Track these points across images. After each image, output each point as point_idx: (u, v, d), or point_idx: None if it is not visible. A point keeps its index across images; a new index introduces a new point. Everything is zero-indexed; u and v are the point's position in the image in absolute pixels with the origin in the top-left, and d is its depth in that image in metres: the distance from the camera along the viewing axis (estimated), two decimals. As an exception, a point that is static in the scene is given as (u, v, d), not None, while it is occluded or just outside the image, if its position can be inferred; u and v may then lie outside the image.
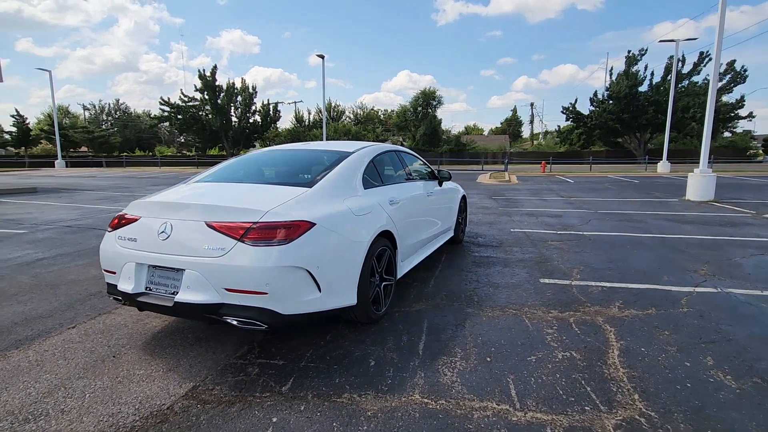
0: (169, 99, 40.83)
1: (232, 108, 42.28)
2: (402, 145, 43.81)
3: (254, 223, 2.40)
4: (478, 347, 2.85)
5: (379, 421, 2.07)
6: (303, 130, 43.17)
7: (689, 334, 3.04)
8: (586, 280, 4.31)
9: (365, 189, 3.32)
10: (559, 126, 40.28)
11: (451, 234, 5.55)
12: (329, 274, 2.64)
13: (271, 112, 43.20)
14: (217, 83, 40.28)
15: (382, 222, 3.24)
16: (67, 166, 34.75)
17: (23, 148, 48.92)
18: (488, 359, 2.70)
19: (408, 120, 41.39)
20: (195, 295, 2.40)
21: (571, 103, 34.06)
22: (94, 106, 59.35)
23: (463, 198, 6.05)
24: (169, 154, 52.76)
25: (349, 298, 2.84)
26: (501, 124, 68.81)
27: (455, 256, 5.25)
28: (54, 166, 33.93)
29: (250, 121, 42.53)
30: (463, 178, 21.11)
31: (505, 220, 8.03)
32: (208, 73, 39.67)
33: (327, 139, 38.26)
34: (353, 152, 3.53)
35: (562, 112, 34.51)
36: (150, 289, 2.58)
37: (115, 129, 53.36)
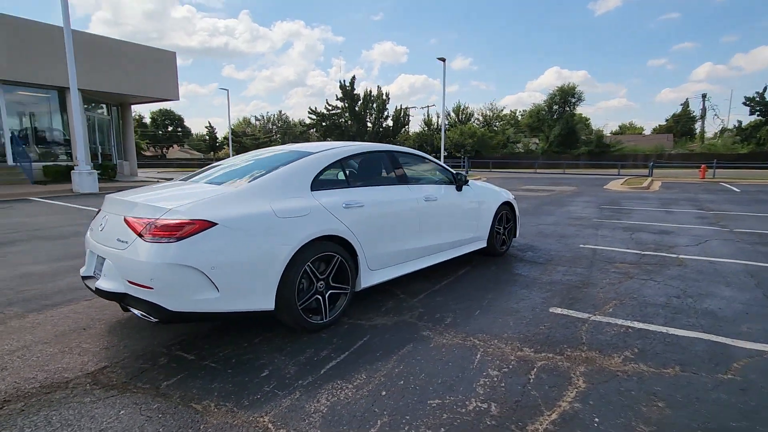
0: (316, 108, 46.01)
1: (368, 114, 45.35)
2: (536, 146, 40.61)
3: (155, 219, 2.53)
4: (388, 377, 2.47)
5: (202, 436, 1.97)
6: (431, 133, 43.66)
7: (702, 414, 2.10)
8: (615, 316, 3.35)
9: (316, 191, 3.18)
10: (739, 122, 31.89)
11: (481, 244, 4.94)
12: (232, 276, 2.61)
13: (401, 117, 44.97)
14: (355, 92, 43.70)
15: (325, 226, 3.07)
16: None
17: (212, 152, 61.07)
18: (383, 393, 2.31)
19: (542, 120, 38.15)
20: (107, 283, 2.65)
21: (758, 93, 26.74)
22: (263, 117, 70.41)
23: (507, 205, 5.32)
24: (315, 157, 59.24)
25: (264, 303, 2.76)
26: (666, 121, 58.03)
27: (480, 270, 4.64)
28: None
29: (383, 126, 44.97)
30: (589, 184, 18.54)
31: (587, 233, 6.76)
32: (347, 84, 43.33)
33: (446, 143, 37.94)
34: (314, 153, 3.42)
35: (745, 103, 27.33)
36: (95, 274, 2.94)
37: (278, 136, 62.24)
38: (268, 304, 2.78)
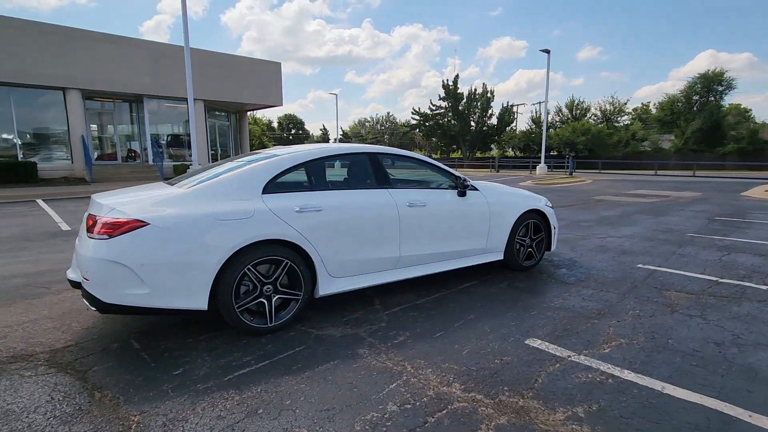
0: (419, 109, 46.34)
1: (472, 113, 44.10)
2: (669, 144, 34.75)
3: (99, 218, 2.78)
4: (280, 394, 2.32)
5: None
6: (539, 131, 40.55)
7: None
8: (605, 359, 2.66)
9: (269, 194, 3.15)
10: None
11: (494, 257, 4.39)
12: (161, 274, 2.74)
13: (506, 115, 42.72)
14: (458, 91, 42.83)
15: (268, 230, 3.02)
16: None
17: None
18: (260, 411, 2.18)
19: (676, 113, 32.45)
20: (72, 273, 3.00)
21: None
22: (372, 119, 73.52)
23: (536, 214, 4.64)
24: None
25: (196, 303, 2.84)
26: None
27: (486, 286, 4.12)
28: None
29: (486, 124, 43.28)
30: (723, 189, 15.30)
31: (662, 251, 5.53)
32: (450, 83, 42.68)
33: (555, 141, 34.67)
34: (277, 156, 3.40)
35: None
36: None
37: (386, 136, 64.40)
38: (200, 303, 2.86)
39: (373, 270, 3.63)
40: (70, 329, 3.23)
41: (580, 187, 17.18)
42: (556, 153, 34.92)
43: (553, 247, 4.91)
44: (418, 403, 2.23)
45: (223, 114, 22.32)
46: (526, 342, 2.93)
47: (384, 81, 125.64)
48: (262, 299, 3.06)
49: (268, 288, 3.09)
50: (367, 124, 72.89)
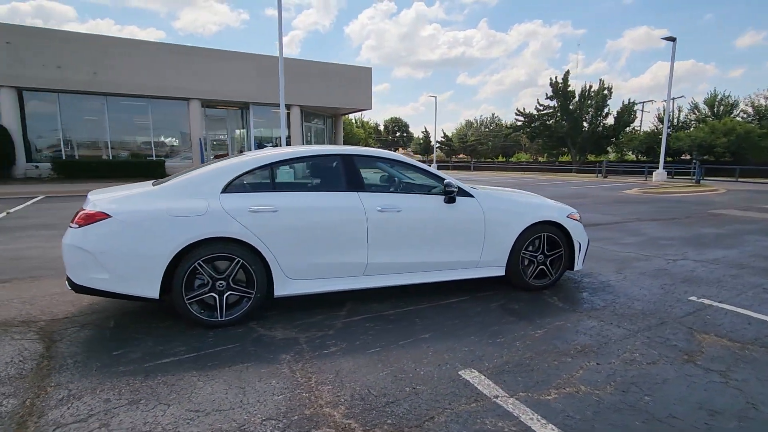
0: (524, 109, 43.68)
1: (585, 113, 40.11)
2: None
3: (81, 210, 3.18)
4: (154, 388, 2.38)
5: None
6: (670, 131, 34.91)
7: None
8: (538, 410, 2.17)
9: (227, 193, 3.26)
10: None
11: (493, 272, 3.93)
12: (118, 262, 3.02)
13: (626, 114, 37.82)
14: (569, 89, 39.29)
15: (218, 228, 3.13)
16: (439, 169, 44.34)
17: (425, 155, 66.06)
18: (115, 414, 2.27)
19: None
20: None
21: None
22: (476, 121, 71.53)
23: (553, 227, 4.03)
24: (523, 160, 56.49)
25: (149, 291, 3.07)
26: None
27: (473, 303, 3.70)
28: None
29: (602, 125, 38.89)
30: None
31: (744, 283, 4.31)
32: (560, 81, 39.37)
33: (687, 143, 29.51)
34: (248, 157, 3.49)
35: None
36: None
37: (490, 139, 62.08)
38: (153, 292, 3.09)
39: (337, 275, 3.52)
40: (80, 304, 3.76)
41: (702, 198, 14.40)
42: (688, 157, 29.75)
43: (577, 266, 4.20)
44: (283, 421, 2.09)
45: (319, 118, 23.88)
46: (460, 373, 2.54)
47: (497, 81, 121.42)
48: (213, 294, 3.20)
49: (221, 284, 3.20)
50: (475, 125, 71.20)
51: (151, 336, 3.08)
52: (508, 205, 4.02)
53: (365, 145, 69.33)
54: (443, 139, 60.36)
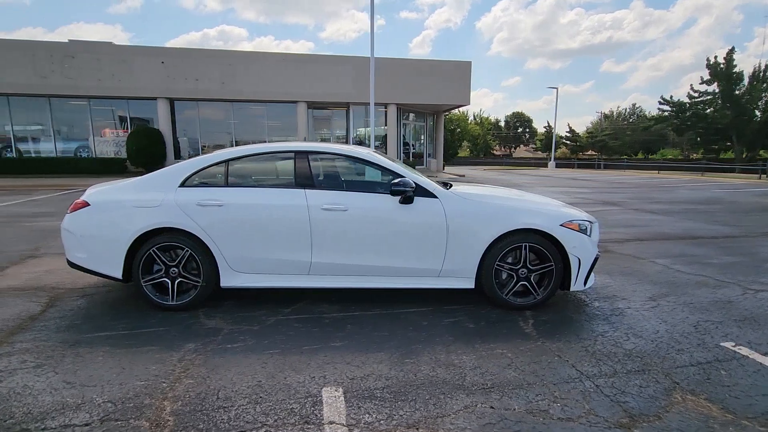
0: (671, 97, 37.11)
1: (757, 99, 32.27)
2: None
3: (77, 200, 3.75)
4: (57, 358, 2.67)
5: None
6: None
7: None
8: (357, 444, 1.84)
9: (184, 187, 3.49)
10: None
11: (460, 283, 3.49)
12: (92, 244, 3.49)
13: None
14: (734, 71, 32.01)
15: (167, 219, 3.37)
16: (557, 167, 40.44)
17: (547, 152, 60.99)
18: None
19: None
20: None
21: None
22: (612, 113, 63.13)
23: (539, 236, 3.37)
24: (671, 157, 48.02)
25: (114, 271, 3.48)
26: None
27: (436, 316, 3.31)
28: (546, 167, 40.54)
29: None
30: None
31: None
32: (722, 61, 32.32)
33: None
34: (207, 155, 3.66)
35: None
36: None
37: (627, 133, 54.29)
38: (117, 273, 3.49)
39: (281, 272, 3.51)
40: (92, 279, 4.45)
41: None
42: None
43: (575, 286, 3.46)
44: (117, 405, 2.17)
45: (418, 116, 23.88)
46: (323, 390, 2.31)
47: (652, 66, 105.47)
48: (167, 279, 3.48)
49: (174, 271, 3.47)
50: (611, 117, 63.05)
51: (116, 311, 3.49)
52: (478, 209, 3.47)
53: (482, 143, 67.05)
54: (568, 134, 54.73)
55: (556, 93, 39.40)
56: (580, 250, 3.43)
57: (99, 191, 3.69)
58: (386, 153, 16.51)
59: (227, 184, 3.60)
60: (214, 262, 3.47)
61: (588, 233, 3.57)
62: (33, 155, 19.66)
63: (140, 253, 3.42)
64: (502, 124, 75.02)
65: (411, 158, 22.92)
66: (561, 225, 3.41)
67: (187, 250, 3.43)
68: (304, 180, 3.54)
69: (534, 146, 71.54)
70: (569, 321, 3.28)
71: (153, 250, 3.43)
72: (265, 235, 3.46)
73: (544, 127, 60.19)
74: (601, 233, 6.84)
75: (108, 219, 3.50)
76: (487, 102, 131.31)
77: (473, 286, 3.49)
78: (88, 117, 19.86)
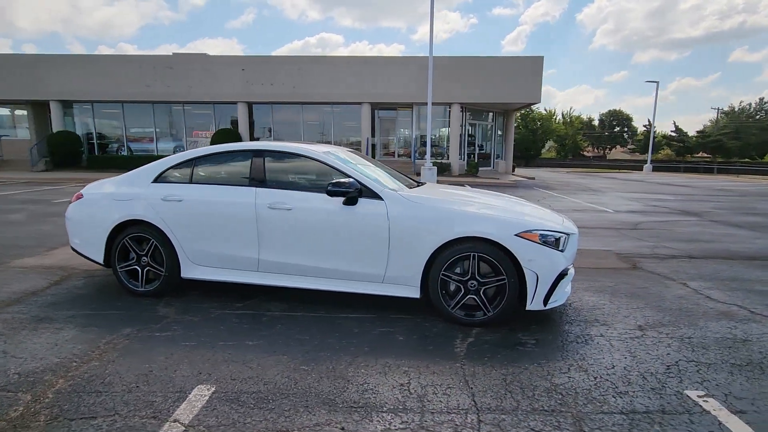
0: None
1: None
2: None
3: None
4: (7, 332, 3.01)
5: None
6: None
7: None
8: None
9: (157, 183, 3.75)
10: None
11: (405, 291, 3.28)
12: (82, 232, 3.91)
13: None
14: None
15: (136, 211, 3.65)
16: (655, 171, 35.92)
17: (645, 154, 54.56)
18: None
19: None
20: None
21: None
22: (734, 109, 54.28)
23: (487, 246, 3.02)
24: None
25: (98, 257, 3.85)
26: None
27: (373, 324, 3.15)
28: (642, 170, 36.20)
29: None
30: None
31: None
32: None
33: None
34: (178, 153, 3.88)
35: None
36: None
37: (753, 132, 46.41)
38: (99, 259, 3.87)
39: (233, 267, 3.61)
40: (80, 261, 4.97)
41: None
42: None
43: (532, 305, 3.04)
44: (11, 377, 2.40)
45: (485, 115, 22.90)
46: (197, 387, 2.31)
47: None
48: (137, 267, 3.78)
49: (144, 260, 3.76)
50: (731, 114, 54.40)
51: (99, 293, 3.87)
52: (423, 213, 3.20)
53: (571, 143, 62.08)
54: (674, 134, 48.35)
55: (656, 88, 35.02)
56: (538, 264, 3.00)
57: (92, 185, 4.12)
58: (452, 153, 16.00)
59: (191, 181, 3.79)
60: (175, 255, 3.68)
61: (558, 246, 3.11)
62: (140, 153, 22.73)
63: (116, 242, 3.76)
64: (596, 122, 68.86)
65: (477, 159, 22.07)
66: (516, 235, 3.02)
67: (153, 242, 3.68)
68: (257, 178, 3.60)
69: (632, 147, 64.49)
70: (513, 344, 2.88)
71: (126, 240, 3.74)
72: (219, 231, 3.58)
73: (644, 126, 53.90)
74: (650, 247, 5.95)
75: (94, 210, 3.89)
76: (586, 99, 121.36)
77: (418, 296, 3.25)
78: (182, 120, 22.38)
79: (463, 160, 21.34)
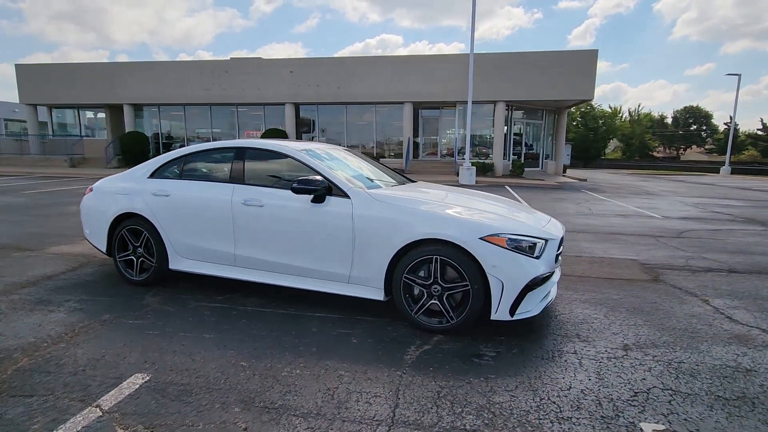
0: None
1: None
2: None
3: (94, 187, 4.56)
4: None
5: None
6: None
7: None
8: None
9: (153, 179, 3.96)
10: None
11: (371, 293, 3.19)
12: (90, 222, 4.22)
13: None
14: None
15: (131, 204, 3.88)
16: (734, 173, 32.26)
17: (724, 154, 49.21)
18: None
19: None
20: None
21: None
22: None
23: (449, 249, 2.86)
24: None
25: (102, 247, 4.14)
26: None
27: (331, 326, 3.10)
28: (718, 172, 32.67)
29: None
30: None
31: None
32: None
33: None
34: (176, 150, 4.04)
35: None
36: None
37: None
38: (103, 248, 4.16)
39: (215, 261, 3.71)
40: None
41: None
42: None
43: (497, 314, 2.83)
44: (-2, 354, 2.63)
45: (534, 113, 21.84)
46: (133, 375, 2.39)
47: None
48: (133, 257, 4.01)
49: (139, 251, 3.99)
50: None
51: (103, 281, 4.15)
52: (389, 213, 3.07)
53: (638, 143, 57.48)
54: (761, 133, 43.14)
55: (737, 81, 31.40)
56: (504, 270, 2.77)
57: (104, 179, 4.43)
58: (495, 152, 15.36)
59: (180, 177, 3.95)
60: (164, 247, 3.86)
61: (532, 253, 2.86)
62: (197, 152, 24.30)
63: (116, 233, 4.02)
64: (669, 120, 63.27)
65: (523, 159, 21.13)
66: (481, 238, 2.81)
67: (145, 234, 3.89)
68: (236, 175, 3.67)
69: (710, 147, 58.43)
70: (470, 355, 2.68)
71: (123, 232, 3.99)
72: (201, 225, 3.70)
73: (725, 124, 48.57)
74: (686, 257, 5.32)
75: (100, 202, 4.18)
76: (663, 95, 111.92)
77: (382, 298, 3.14)
78: (235, 121, 23.65)
79: (508, 160, 20.52)
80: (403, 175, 4.60)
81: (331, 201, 3.25)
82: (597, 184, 18.29)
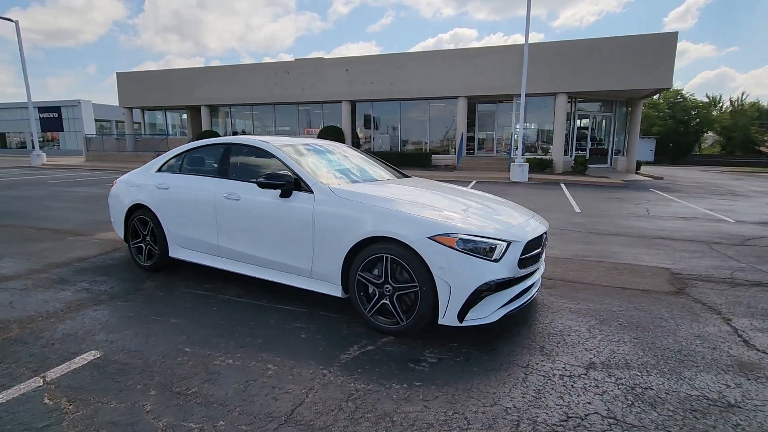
0: None
1: None
2: None
3: (121, 179, 5.02)
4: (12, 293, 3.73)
5: None
6: None
7: None
8: None
9: (160, 173, 4.28)
10: None
11: (330, 289, 3.18)
12: (113, 212, 4.67)
13: None
14: None
15: (140, 196, 4.23)
16: None
17: None
18: None
19: None
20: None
21: None
22: None
23: (397, 247, 2.75)
24: None
25: (120, 233, 4.57)
26: None
27: (297, 320, 3.14)
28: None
29: None
30: None
31: None
32: None
33: None
34: (181, 146, 4.31)
35: None
36: None
37: None
38: (121, 234, 4.59)
39: (202, 251, 3.93)
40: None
41: None
42: None
43: (444, 319, 2.67)
44: (-1, 324, 3.02)
45: (604, 105, 20.06)
46: (87, 352, 2.60)
47: None
48: (142, 245, 4.38)
49: (147, 239, 4.34)
50: None
51: (123, 264, 4.60)
52: (346, 209, 3.01)
53: (741, 136, 50.40)
54: None
55: None
56: (452, 273, 2.59)
57: (127, 174, 4.89)
58: (555, 148, 14.41)
59: (180, 172, 4.23)
60: (164, 236, 4.16)
61: (490, 256, 2.65)
62: (262, 149, 25.80)
63: (129, 222, 4.42)
64: (783, 111, 54.65)
65: (588, 155, 19.56)
66: (429, 238, 2.66)
67: (150, 224, 4.23)
68: (222, 170, 3.85)
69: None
70: (409, 360, 2.54)
71: (135, 221, 4.37)
72: (189, 217, 3.93)
73: None
74: (733, 269, 4.60)
75: (120, 194, 4.61)
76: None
77: (341, 295, 3.10)
78: (296, 119, 24.73)
79: (570, 156, 19.13)
80: (400, 172, 4.50)
81: (298, 197, 3.27)
82: (673, 183, 16.39)
